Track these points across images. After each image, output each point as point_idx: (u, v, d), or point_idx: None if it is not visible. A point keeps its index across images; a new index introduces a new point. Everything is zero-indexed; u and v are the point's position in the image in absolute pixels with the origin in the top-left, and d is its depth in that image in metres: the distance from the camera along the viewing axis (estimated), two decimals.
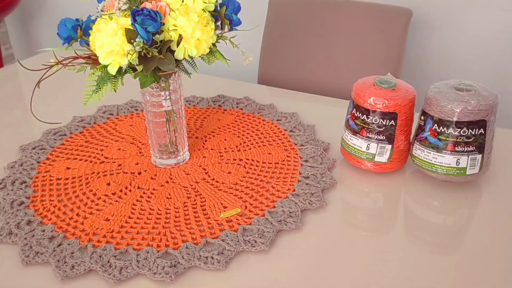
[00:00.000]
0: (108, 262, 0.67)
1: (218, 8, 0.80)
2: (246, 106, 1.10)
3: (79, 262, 0.67)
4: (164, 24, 0.72)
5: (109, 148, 0.95)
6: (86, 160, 0.91)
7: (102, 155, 0.93)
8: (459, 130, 0.77)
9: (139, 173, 0.87)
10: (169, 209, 0.78)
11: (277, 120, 1.05)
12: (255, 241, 0.70)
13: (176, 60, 0.75)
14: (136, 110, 1.10)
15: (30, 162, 0.90)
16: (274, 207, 0.78)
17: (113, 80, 0.75)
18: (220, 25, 0.82)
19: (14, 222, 0.75)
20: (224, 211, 0.77)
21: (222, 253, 0.69)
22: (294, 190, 0.82)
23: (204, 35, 0.74)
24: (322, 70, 1.39)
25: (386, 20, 1.30)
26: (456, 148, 0.78)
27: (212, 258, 0.68)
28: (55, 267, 0.66)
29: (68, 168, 0.89)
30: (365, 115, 0.82)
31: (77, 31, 0.75)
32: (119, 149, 0.94)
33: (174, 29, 0.73)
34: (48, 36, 2.35)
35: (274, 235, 0.72)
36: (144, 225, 0.74)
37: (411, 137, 0.86)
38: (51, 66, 0.75)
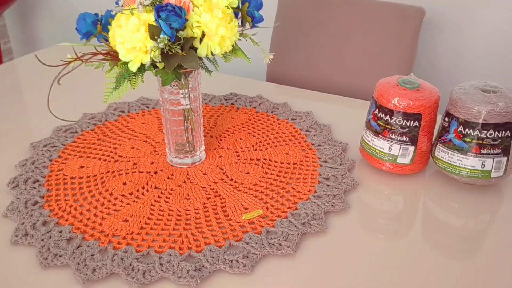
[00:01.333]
0: (131, 265, 0.65)
1: (240, 5, 0.78)
2: (259, 104, 1.09)
3: (100, 265, 0.65)
4: (187, 20, 0.70)
5: (122, 146, 0.93)
6: (99, 159, 0.89)
7: (116, 153, 0.90)
8: (485, 132, 0.75)
9: (155, 173, 0.85)
10: (189, 210, 0.76)
11: (292, 120, 1.03)
12: (280, 244, 0.69)
13: (198, 58, 0.73)
14: (147, 107, 1.07)
15: (42, 160, 0.88)
16: (296, 209, 0.76)
17: (133, 77, 0.73)
18: (241, 22, 0.80)
19: (30, 223, 0.72)
20: (245, 212, 0.75)
21: (247, 257, 0.67)
22: (315, 192, 0.80)
23: (228, 32, 0.72)
24: (333, 69, 1.37)
25: (399, 19, 1.28)
26: (482, 151, 0.76)
27: (237, 261, 0.66)
28: (76, 270, 0.64)
29: (81, 167, 0.86)
30: (388, 116, 0.80)
31: (97, 26, 0.73)
32: (133, 148, 0.92)
33: (198, 26, 0.71)
34: (47, 31, 2.31)
35: (299, 238, 0.70)
36: (164, 226, 0.72)
37: (433, 138, 0.85)
38: (70, 62, 0.72)
